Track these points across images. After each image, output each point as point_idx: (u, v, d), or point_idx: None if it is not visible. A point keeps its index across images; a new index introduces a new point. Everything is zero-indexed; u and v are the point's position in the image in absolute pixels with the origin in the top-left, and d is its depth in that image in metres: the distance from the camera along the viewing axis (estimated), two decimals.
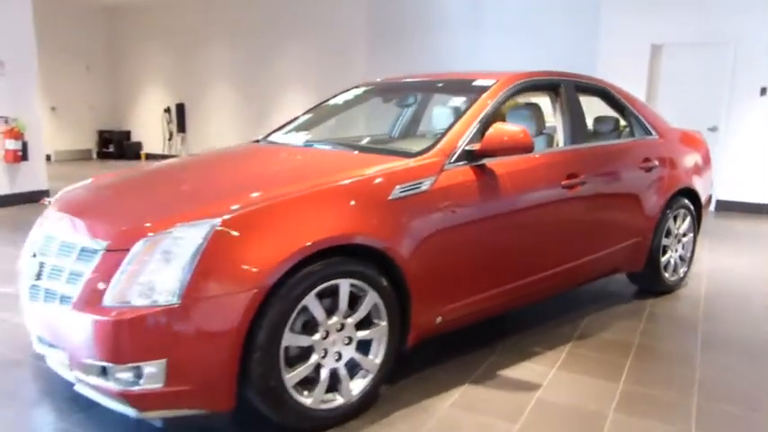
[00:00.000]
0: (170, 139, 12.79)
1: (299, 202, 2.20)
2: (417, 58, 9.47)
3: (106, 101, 13.40)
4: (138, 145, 13.25)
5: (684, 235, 4.12)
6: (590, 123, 3.86)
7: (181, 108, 12.50)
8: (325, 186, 2.29)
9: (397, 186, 2.42)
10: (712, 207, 7.51)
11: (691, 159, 4.14)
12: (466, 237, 2.64)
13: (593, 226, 3.33)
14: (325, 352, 2.24)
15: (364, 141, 3.76)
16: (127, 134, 13.38)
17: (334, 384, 2.29)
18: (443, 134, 2.76)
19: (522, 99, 3.65)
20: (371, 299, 2.31)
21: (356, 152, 2.96)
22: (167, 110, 12.70)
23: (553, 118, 3.43)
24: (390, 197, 2.39)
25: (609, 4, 7.84)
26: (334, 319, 2.24)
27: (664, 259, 3.95)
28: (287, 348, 2.12)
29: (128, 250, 2.03)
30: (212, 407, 2.04)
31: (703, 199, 4.27)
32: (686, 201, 4.04)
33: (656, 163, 3.73)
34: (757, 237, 6.07)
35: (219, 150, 3.41)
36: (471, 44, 9.12)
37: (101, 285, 2.01)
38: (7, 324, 3.30)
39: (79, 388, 2.14)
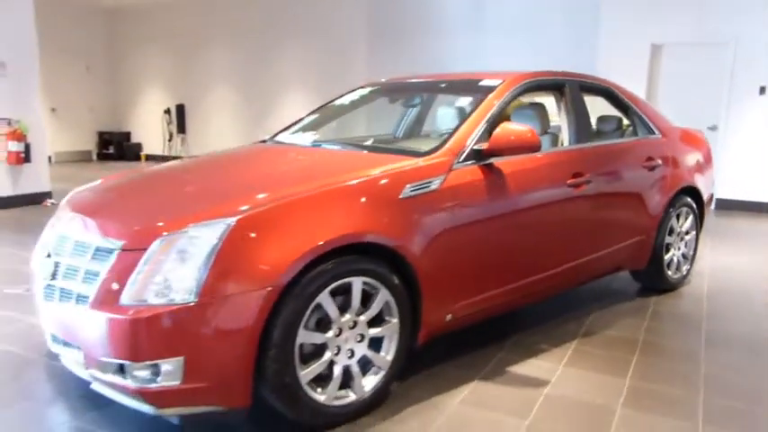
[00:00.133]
0: (170, 141, 12.81)
1: (312, 200, 2.23)
2: (417, 58, 9.50)
3: (106, 102, 13.41)
4: (138, 146, 13.27)
5: (687, 233, 4.16)
6: (593, 123, 3.89)
7: (181, 109, 12.52)
8: (337, 185, 2.32)
9: (408, 185, 2.45)
10: (712, 206, 7.55)
11: (693, 158, 4.18)
12: (475, 235, 2.67)
13: (599, 224, 3.36)
14: (339, 349, 2.27)
15: (370, 141, 3.79)
16: (127, 135, 13.39)
17: (346, 381, 2.32)
18: (452, 134, 2.79)
19: (526, 99, 3.68)
20: (383, 296, 2.34)
21: (365, 152, 2.99)
22: (167, 111, 12.72)
23: (558, 117, 3.46)
24: (401, 196, 2.42)
25: (609, 5, 7.89)
26: (347, 316, 2.27)
27: (667, 257, 3.99)
28: (301, 346, 2.15)
29: (144, 250, 2.05)
30: (229, 404, 2.07)
31: (705, 197, 4.31)
32: (689, 199, 4.08)
33: (660, 162, 3.77)
34: (757, 235, 6.12)
35: (228, 151, 3.43)
36: (471, 45, 9.16)
37: (117, 284, 2.04)
38: (21, 324, 3.32)
39: (95, 386, 2.17)
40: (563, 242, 3.15)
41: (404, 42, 9.71)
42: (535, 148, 2.71)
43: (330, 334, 2.23)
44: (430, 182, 2.52)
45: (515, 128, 2.69)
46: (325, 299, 2.17)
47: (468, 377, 2.74)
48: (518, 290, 2.95)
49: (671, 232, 3.98)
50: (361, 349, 2.34)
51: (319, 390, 2.23)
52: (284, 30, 10.98)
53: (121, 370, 2.02)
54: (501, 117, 2.98)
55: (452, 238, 2.57)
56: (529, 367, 2.87)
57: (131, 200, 2.52)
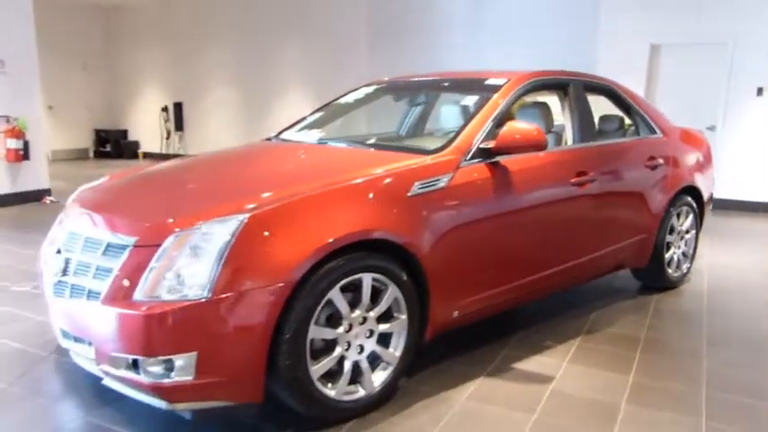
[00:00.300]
0: (167, 138, 12.79)
1: (323, 197, 2.25)
2: (417, 58, 9.52)
3: (103, 100, 13.37)
4: (136, 144, 13.24)
5: (687, 232, 4.20)
6: (595, 122, 3.92)
7: (178, 107, 12.50)
8: (347, 183, 2.34)
9: (416, 183, 2.48)
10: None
11: (693, 158, 4.22)
12: (481, 232, 2.70)
13: (602, 222, 3.39)
14: (348, 345, 2.30)
15: (375, 139, 3.80)
16: (124, 133, 13.35)
17: (356, 376, 2.34)
18: (459, 132, 2.81)
19: (529, 98, 3.71)
20: (392, 293, 2.36)
21: (373, 150, 3.01)
22: (165, 109, 12.69)
23: (562, 116, 3.49)
24: (410, 193, 2.44)
25: (608, 5, 7.92)
26: (357, 312, 2.30)
27: (667, 256, 4.02)
28: (312, 341, 2.17)
29: (156, 246, 2.07)
30: (241, 399, 2.09)
31: (705, 196, 4.35)
32: (689, 198, 4.12)
33: (661, 161, 3.80)
34: (754, 234, 6.17)
35: (235, 148, 3.45)
36: (471, 44, 9.18)
37: (130, 280, 2.06)
38: (30, 321, 3.33)
39: (107, 382, 2.18)
40: (567, 240, 3.18)
41: (403, 42, 9.73)
42: (541, 146, 2.74)
43: (341, 330, 2.26)
44: (438, 179, 2.55)
45: (522, 126, 2.72)
46: (335, 295, 2.20)
47: (474, 373, 2.77)
48: (523, 287, 2.98)
49: (672, 231, 4.01)
50: (371, 345, 2.37)
51: (329, 385, 2.26)
52: (283, 29, 10.97)
53: (134, 365, 2.03)
54: (506, 116, 3.01)
55: (459, 235, 2.59)
56: (534, 364, 2.90)
57: (142, 197, 2.54)
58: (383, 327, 2.39)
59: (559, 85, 3.44)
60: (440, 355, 2.93)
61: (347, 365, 2.29)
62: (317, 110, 3.88)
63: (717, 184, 7.37)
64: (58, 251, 2.40)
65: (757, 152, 7.43)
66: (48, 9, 11.32)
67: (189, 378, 2.00)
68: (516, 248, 2.90)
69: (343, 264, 2.19)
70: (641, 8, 7.71)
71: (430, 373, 2.75)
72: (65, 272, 2.32)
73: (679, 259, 4.15)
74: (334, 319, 2.25)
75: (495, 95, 3.00)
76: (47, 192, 7.40)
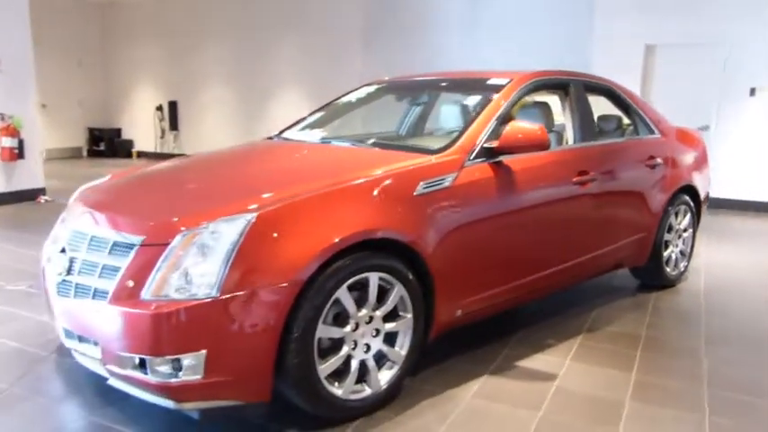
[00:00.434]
0: (162, 137, 12.73)
1: (330, 197, 2.25)
2: (413, 56, 9.53)
3: (96, 98, 13.27)
4: (130, 143, 13.17)
5: (685, 230, 4.24)
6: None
7: (173, 106, 12.45)
8: (354, 182, 2.34)
9: (422, 182, 2.49)
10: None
11: (690, 157, 4.25)
12: (485, 232, 2.71)
13: (603, 221, 3.42)
14: (355, 344, 2.30)
15: (378, 139, 3.81)
16: (118, 132, 13.28)
17: (362, 375, 2.34)
18: (462, 131, 2.82)
19: (529, 98, 3.72)
20: (398, 292, 2.37)
21: (377, 149, 3.01)
22: (159, 107, 12.63)
23: (562, 116, 3.51)
24: (415, 193, 2.45)
25: (604, 5, 7.96)
26: (364, 311, 2.30)
27: (666, 254, 4.06)
28: (319, 340, 2.17)
29: (164, 245, 2.07)
30: (249, 398, 2.09)
31: (702, 195, 4.39)
32: (687, 197, 4.15)
33: (660, 161, 3.83)
34: (749, 233, 6.23)
35: (238, 147, 3.44)
36: (467, 42, 9.20)
37: (137, 280, 2.05)
38: (28, 321, 3.31)
39: (113, 382, 2.17)
40: (569, 239, 3.20)
41: (399, 40, 9.73)
42: (545, 145, 2.75)
43: (348, 329, 2.26)
44: (443, 179, 2.56)
45: (525, 126, 2.73)
46: (343, 294, 2.20)
47: (477, 372, 2.78)
48: (525, 286, 2.99)
49: (670, 230, 4.05)
50: (377, 344, 2.37)
51: (336, 384, 2.26)
52: (280, 27, 10.95)
53: (142, 365, 2.03)
54: (507, 116, 3.02)
55: (464, 235, 2.60)
56: (536, 362, 2.91)
57: (148, 195, 2.53)
58: (389, 326, 2.39)
59: (560, 84, 3.46)
60: (443, 354, 2.94)
61: (354, 364, 2.29)
62: (319, 109, 3.87)
63: (711, 183, 7.47)
64: (63, 250, 2.38)
65: (750, 152, 7.50)
66: (42, 6, 11.24)
67: (197, 377, 1.99)
68: (519, 247, 2.92)
69: (351, 263, 2.19)
70: (636, 8, 7.75)
71: (434, 372, 2.76)
72: (69, 271, 2.31)
73: (677, 258, 4.18)
74: (340, 318, 2.26)
75: (498, 95, 3.01)
76: (41, 191, 7.35)
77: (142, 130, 13.03)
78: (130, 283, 2.06)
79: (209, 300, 1.97)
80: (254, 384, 2.07)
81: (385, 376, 2.41)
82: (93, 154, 13.07)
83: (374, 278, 2.29)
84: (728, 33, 7.33)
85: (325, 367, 2.20)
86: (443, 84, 3.77)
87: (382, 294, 2.35)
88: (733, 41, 7.33)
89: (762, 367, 2.93)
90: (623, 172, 3.53)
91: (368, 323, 2.33)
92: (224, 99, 11.86)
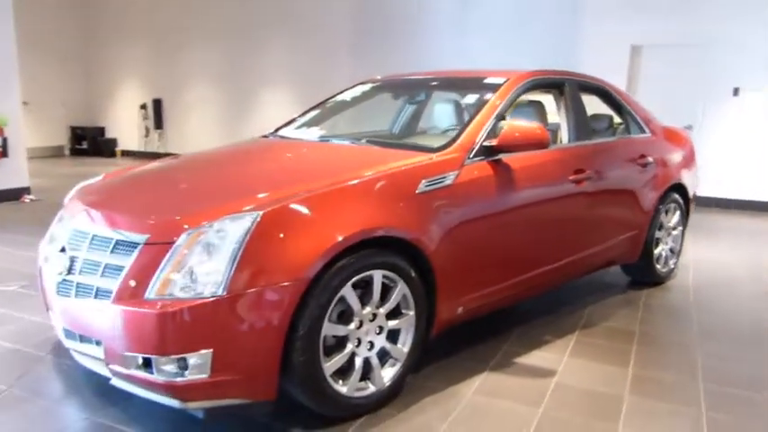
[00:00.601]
0: (147, 136, 12.60)
1: (336, 194, 2.25)
2: (401, 57, 9.54)
3: (79, 96, 13.08)
4: (114, 141, 13.01)
5: (674, 228, 4.30)
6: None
7: (158, 104, 12.32)
8: (358, 180, 2.35)
9: (424, 180, 2.50)
10: None
11: (679, 156, 4.31)
12: (485, 229, 2.73)
13: (598, 219, 3.46)
14: (359, 341, 2.31)
15: (374, 137, 3.81)
16: (101, 130, 13.11)
17: (366, 373, 2.35)
18: (462, 130, 2.84)
19: (522, 97, 3.75)
20: (401, 289, 2.38)
21: (377, 147, 3.02)
22: (144, 106, 12.49)
23: (557, 115, 3.54)
24: (418, 191, 2.46)
25: (591, 6, 8.05)
26: (368, 309, 2.31)
27: (656, 252, 4.12)
28: (324, 338, 2.18)
29: (168, 243, 2.06)
30: (255, 397, 2.08)
31: (691, 193, 4.46)
32: (677, 195, 4.22)
33: (652, 160, 3.89)
34: (734, 230, 6.34)
35: (236, 145, 3.43)
36: (456, 43, 9.23)
37: (142, 279, 2.04)
38: (22, 321, 3.26)
39: (116, 382, 2.15)
40: (567, 236, 3.24)
41: (388, 40, 9.74)
42: (544, 144, 2.78)
43: (352, 326, 2.27)
44: (444, 177, 2.57)
45: (525, 124, 2.76)
46: (348, 291, 2.21)
47: (477, 369, 2.80)
48: (524, 283, 3.02)
49: (660, 227, 4.11)
50: (380, 341, 2.38)
51: (341, 382, 2.26)
52: (268, 27, 10.89)
53: (147, 364, 2.01)
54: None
55: (464, 232, 2.62)
56: (535, 358, 2.94)
57: (150, 194, 2.51)
58: (392, 323, 2.40)
59: (556, 84, 3.49)
60: (443, 351, 2.96)
61: (358, 362, 2.30)
62: (314, 107, 3.87)
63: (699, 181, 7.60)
64: (63, 249, 2.35)
65: (733, 151, 7.63)
66: (23, 2, 11.06)
67: (204, 376, 1.98)
68: (518, 245, 2.95)
69: (356, 260, 2.20)
70: (623, 9, 7.85)
71: (434, 369, 2.78)
72: (70, 270, 2.29)
73: (667, 255, 4.25)
74: (345, 316, 2.26)
75: (496, 94, 3.04)
76: (26, 190, 7.24)
77: (126, 128, 12.88)
78: (134, 283, 2.04)
79: (215, 298, 1.96)
80: (261, 383, 2.07)
81: (388, 374, 2.42)
82: (76, 153, 12.89)
83: (378, 276, 2.29)
84: (713, 35, 7.46)
85: (330, 365, 2.20)
86: (439, 83, 3.78)
87: (385, 292, 2.36)
88: (717, 42, 7.45)
89: (753, 362, 2.99)
90: (617, 170, 3.58)
91: (371, 321, 2.34)
92: (210, 98, 11.77)
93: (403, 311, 2.44)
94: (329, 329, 2.18)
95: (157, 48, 12.21)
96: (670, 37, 7.68)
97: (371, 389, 2.36)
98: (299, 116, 3.79)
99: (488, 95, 3.04)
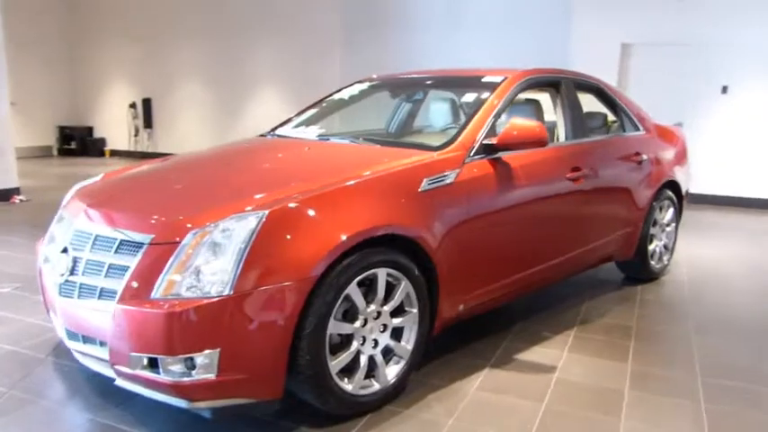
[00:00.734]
0: (136, 136, 12.51)
1: (339, 194, 2.26)
2: (392, 56, 9.55)
3: (67, 95, 12.96)
4: (102, 141, 12.90)
5: (668, 225, 4.35)
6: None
7: (147, 103, 12.23)
8: (362, 179, 2.36)
9: (426, 179, 2.51)
10: None
11: (672, 153, 4.37)
12: (485, 227, 2.75)
13: (595, 216, 3.50)
14: (364, 339, 2.31)
15: (374, 136, 3.82)
16: (89, 130, 13.00)
17: (370, 370, 2.36)
18: (462, 129, 2.85)
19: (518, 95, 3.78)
20: (405, 287, 2.39)
21: (378, 146, 3.03)
22: (133, 105, 12.40)
23: (554, 113, 3.57)
24: (420, 189, 2.48)
25: (581, 4, 8.11)
26: (372, 307, 2.32)
27: (651, 248, 4.16)
28: (330, 336, 2.18)
29: (174, 243, 2.05)
30: (261, 396, 2.08)
31: (684, 191, 4.51)
32: (670, 192, 4.27)
33: (646, 157, 3.93)
34: (724, 227, 6.42)
35: (234, 144, 3.42)
36: (446, 41, 9.26)
37: (147, 279, 2.03)
38: (19, 323, 3.23)
39: (120, 382, 2.14)
40: (565, 233, 3.28)
41: (377, 40, 9.75)
42: (543, 142, 2.80)
43: (357, 324, 2.27)
44: (446, 175, 2.59)
45: (524, 123, 2.78)
46: (353, 290, 2.21)
47: (479, 365, 2.82)
48: (523, 279, 3.05)
49: (655, 224, 4.15)
50: (384, 339, 2.39)
51: (346, 379, 2.27)
52: (257, 26, 10.86)
53: (154, 364, 2.01)
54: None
55: (466, 231, 2.64)
56: (535, 354, 2.97)
57: (152, 193, 2.50)
58: (396, 321, 2.41)
59: (552, 82, 3.52)
60: (444, 348, 2.97)
61: (363, 360, 2.31)
62: (310, 106, 3.87)
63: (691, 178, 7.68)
64: (65, 250, 2.34)
65: (723, 148, 7.72)
66: (9, 1, 10.92)
67: (211, 376, 1.98)
68: (518, 242, 2.97)
69: (361, 259, 2.21)
70: (613, 8, 7.91)
71: (436, 366, 2.79)
72: (73, 271, 2.27)
73: (661, 251, 4.30)
74: (349, 315, 2.27)
75: (495, 92, 3.05)
76: (16, 191, 7.16)
77: (115, 128, 12.78)
78: (140, 283, 2.04)
79: (222, 298, 1.96)
80: (268, 382, 2.07)
81: (392, 371, 2.43)
82: (64, 153, 12.78)
83: (382, 274, 2.30)
84: (702, 33, 7.54)
85: (335, 363, 2.21)
86: (437, 81, 3.80)
87: (389, 290, 2.37)
88: (705, 41, 7.54)
89: (749, 354, 3.04)
90: (613, 168, 3.62)
91: (376, 319, 2.35)
92: (200, 97, 11.71)
93: (406, 309, 2.45)
94: (335, 328, 2.19)
95: (146, 47, 12.13)
96: (660, 35, 7.76)
97: (376, 386, 2.37)
98: (296, 115, 3.79)
99: (487, 94, 3.06)
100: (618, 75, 8.01)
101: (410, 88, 4.07)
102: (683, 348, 3.10)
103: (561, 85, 3.52)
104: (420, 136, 3.85)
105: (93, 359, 2.24)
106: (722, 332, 3.34)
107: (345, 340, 2.28)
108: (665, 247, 4.37)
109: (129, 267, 2.09)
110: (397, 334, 2.45)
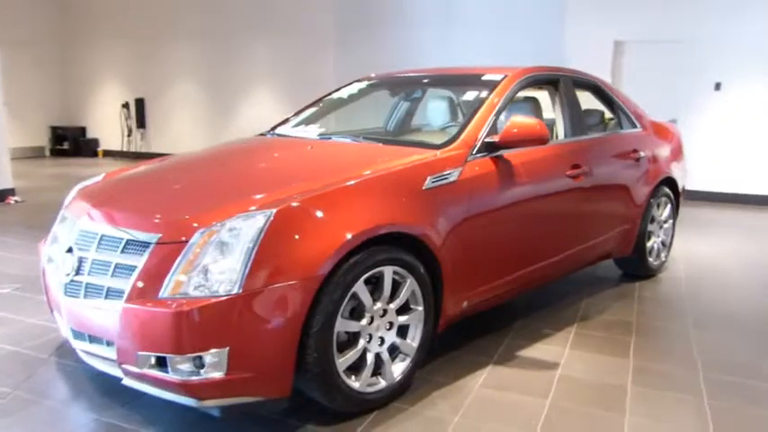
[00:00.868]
0: (129, 136, 12.45)
1: (346, 192, 2.27)
2: (386, 55, 9.55)
3: (59, 95, 12.88)
4: (95, 141, 12.83)
5: (665, 221, 4.39)
6: None
7: (140, 103, 12.18)
8: (367, 177, 2.37)
9: (429, 177, 2.52)
10: None
11: (668, 150, 4.40)
12: (488, 224, 2.77)
13: (595, 213, 3.52)
14: (370, 337, 2.32)
15: (376, 134, 3.82)
16: (82, 130, 12.92)
17: (376, 368, 2.37)
18: (464, 127, 2.86)
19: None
20: (411, 285, 2.40)
21: (380, 144, 3.04)
22: (126, 105, 12.34)
23: (552, 111, 3.59)
24: (424, 187, 2.49)
25: (575, 2, 8.14)
26: (378, 305, 2.33)
27: (649, 245, 4.19)
28: (337, 334, 2.19)
29: (181, 242, 2.06)
30: (270, 394, 2.09)
31: (680, 187, 4.55)
32: (667, 189, 4.30)
33: (643, 154, 3.96)
34: (720, 223, 6.47)
35: (234, 143, 3.43)
36: (440, 40, 9.27)
37: (155, 278, 2.04)
38: (20, 324, 3.22)
39: (127, 382, 2.15)
40: (565, 230, 3.30)
41: (371, 39, 9.74)
42: (544, 140, 2.82)
43: (364, 322, 2.28)
44: (449, 174, 2.60)
45: (525, 120, 2.80)
46: (360, 288, 2.22)
47: (482, 362, 2.84)
48: (525, 277, 3.07)
49: (652, 221, 4.18)
50: (391, 337, 2.40)
51: (353, 377, 2.28)
52: (250, 25, 10.82)
53: (162, 363, 2.01)
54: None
55: (469, 228, 2.65)
56: (537, 351, 2.99)
57: (157, 193, 2.50)
58: (402, 318, 2.42)
59: (551, 80, 3.54)
60: (447, 345, 2.99)
61: (369, 357, 2.32)
62: (309, 105, 3.87)
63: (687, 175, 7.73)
64: (69, 250, 2.34)
65: (716, 144, 7.78)
66: (2, 2, 10.86)
67: (220, 374, 1.99)
68: (520, 239, 2.99)
69: (367, 257, 2.22)
70: (606, 6, 7.96)
71: (440, 364, 2.81)
72: (78, 271, 2.27)
73: (658, 248, 4.33)
74: (356, 313, 2.28)
75: (495, 90, 3.07)
76: (11, 191, 7.12)
77: (108, 128, 12.71)
78: (148, 282, 2.04)
79: (231, 296, 1.96)
80: (276, 380, 2.08)
81: (398, 368, 2.44)
82: (57, 153, 12.70)
83: (389, 272, 2.32)
84: (695, 30, 7.59)
85: (343, 361, 2.22)
86: (436, 80, 3.81)
87: (394, 288, 2.38)
88: (699, 38, 7.59)
89: (747, 350, 3.07)
90: (612, 165, 3.64)
91: (382, 316, 2.36)
92: (193, 97, 11.67)
93: (412, 307, 2.46)
94: (342, 325, 2.20)
95: (139, 47, 12.07)
96: (653, 33, 7.80)
97: (382, 384, 2.38)
98: (294, 114, 3.79)
99: (488, 92, 3.07)
100: (611, 72, 8.05)
101: (409, 87, 4.08)
102: (683, 344, 3.13)
103: (560, 82, 3.55)
104: (420, 134, 3.86)
105: (100, 359, 2.24)
106: (722, 327, 3.38)
107: (352, 338, 2.29)
108: (663, 243, 4.40)
109: (136, 267, 2.09)
110: (402, 332, 2.46)
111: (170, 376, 2.00)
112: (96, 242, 2.26)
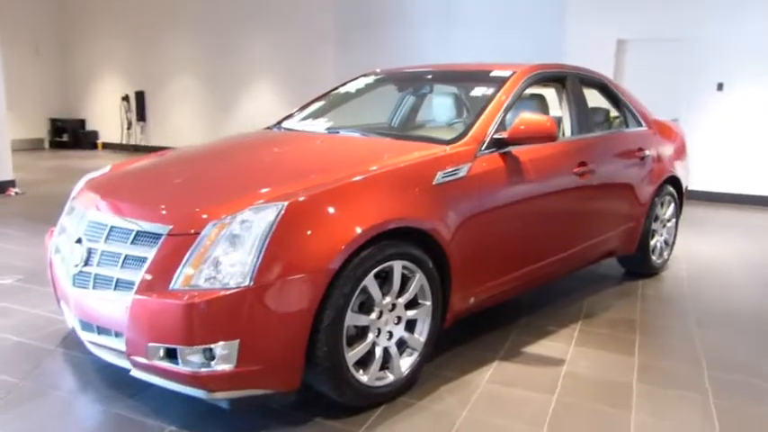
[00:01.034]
0: (129, 129, 12.41)
1: (356, 186, 2.27)
2: (386, 54, 9.52)
3: (58, 87, 12.82)
4: (95, 134, 12.78)
5: (669, 220, 4.40)
6: None
7: (140, 96, 12.13)
8: (378, 172, 2.37)
9: (440, 172, 2.53)
10: None
11: (672, 149, 4.40)
12: (496, 220, 2.77)
13: (600, 210, 3.53)
14: (379, 331, 2.33)
15: (384, 129, 3.82)
16: (81, 123, 12.87)
17: (384, 362, 2.37)
18: (473, 123, 2.86)
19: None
20: (419, 280, 2.40)
21: (389, 139, 3.03)
22: (125, 98, 12.29)
23: (559, 109, 3.59)
24: (434, 182, 2.49)
25: (575, 1, 8.13)
26: (387, 299, 2.33)
27: (652, 243, 4.20)
28: (347, 328, 2.19)
29: (193, 234, 2.06)
30: (279, 387, 2.09)
31: (684, 186, 4.56)
32: (671, 188, 4.31)
33: (648, 153, 3.96)
34: (721, 223, 6.49)
35: (242, 136, 3.42)
36: (440, 40, 9.26)
37: (166, 270, 2.03)
38: (25, 315, 3.22)
39: (136, 373, 2.15)
40: (572, 227, 3.31)
41: (371, 38, 9.72)
42: (552, 137, 2.82)
43: (373, 316, 2.29)
44: (458, 169, 2.60)
45: (535, 117, 2.80)
46: (370, 282, 2.22)
47: (488, 358, 2.85)
48: (531, 273, 3.08)
49: (656, 219, 4.19)
50: (399, 331, 2.41)
51: (361, 371, 2.28)
52: (251, 18, 10.79)
53: (172, 355, 2.01)
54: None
55: (477, 224, 2.66)
56: (543, 348, 3.00)
57: (167, 185, 2.49)
58: (410, 313, 2.43)
59: (559, 77, 3.54)
60: (454, 340, 3.00)
61: (378, 351, 2.32)
62: (316, 99, 3.86)
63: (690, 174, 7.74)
64: (78, 240, 2.33)
65: (718, 144, 7.79)
66: None
67: (230, 366, 1.99)
68: (527, 235, 2.99)
69: (377, 251, 2.22)
70: (608, 4, 7.95)
71: (447, 359, 2.81)
72: (87, 262, 2.26)
73: (661, 247, 4.34)
74: (365, 307, 2.28)
75: (504, 87, 3.07)
76: (11, 183, 7.09)
77: (108, 121, 12.66)
78: (159, 274, 2.04)
79: (242, 289, 1.96)
80: (286, 373, 2.08)
81: (406, 363, 2.44)
82: (56, 146, 12.64)
83: (398, 266, 2.32)
84: (697, 30, 7.60)
85: (352, 355, 2.22)
86: (444, 76, 3.80)
87: (403, 283, 2.39)
88: (701, 38, 7.60)
89: (748, 349, 3.09)
90: (617, 163, 3.65)
91: (390, 311, 2.36)
92: (193, 91, 11.63)
93: (420, 302, 2.46)
94: (352, 319, 2.20)
95: (139, 40, 12.02)
96: (656, 32, 7.80)
97: (390, 378, 2.38)
98: (300, 109, 3.78)
99: (496, 88, 3.07)
100: (613, 71, 8.04)
101: (416, 82, 4.08)
102: (687, 342, 3.14)
103: (567, 80, 3.55)
104: (425, 129, 3.85)
105: (108, 350, 2.24)
106: (724, 326, 3.39)
107: (361, 332, 2.29)
108: (666, 242, 4.41)
109: (146, 258, 2.09)
110: (410, 326, 2.46)
111: (180, 368, 2.00)
112: (106, 233, 2.25)
